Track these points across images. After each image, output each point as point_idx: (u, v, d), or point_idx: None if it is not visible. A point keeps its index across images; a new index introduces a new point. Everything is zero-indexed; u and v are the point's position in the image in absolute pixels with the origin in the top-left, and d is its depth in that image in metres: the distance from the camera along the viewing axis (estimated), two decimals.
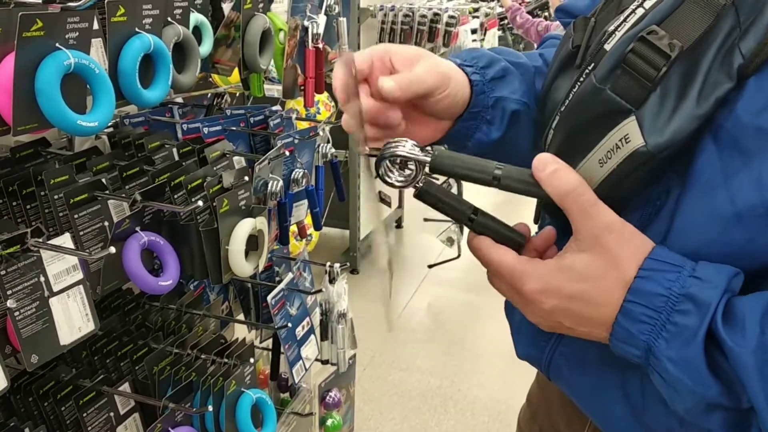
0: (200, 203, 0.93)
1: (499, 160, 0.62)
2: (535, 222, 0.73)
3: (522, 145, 0.70)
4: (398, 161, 0.56)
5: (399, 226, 4.26)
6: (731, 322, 0.47)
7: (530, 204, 0.67)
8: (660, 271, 0.50)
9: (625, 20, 0.53)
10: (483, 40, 4.14)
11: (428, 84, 0.60)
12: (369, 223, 3.73)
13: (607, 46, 0.53)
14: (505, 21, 5.88)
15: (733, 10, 0.49)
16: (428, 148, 0.56)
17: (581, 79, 0.55)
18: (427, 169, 0.57)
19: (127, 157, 1.19)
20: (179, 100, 1.51)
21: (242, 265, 1.05)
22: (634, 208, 0.56)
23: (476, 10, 4.21)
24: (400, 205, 4.20)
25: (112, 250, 0.78)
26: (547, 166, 0.53)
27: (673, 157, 0.52)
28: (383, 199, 3.86)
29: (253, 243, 1.07)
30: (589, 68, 0.54)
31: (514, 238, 0.57)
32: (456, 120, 0.65)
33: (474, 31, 4.17)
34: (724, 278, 0.48)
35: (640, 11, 0.52)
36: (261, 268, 1.10)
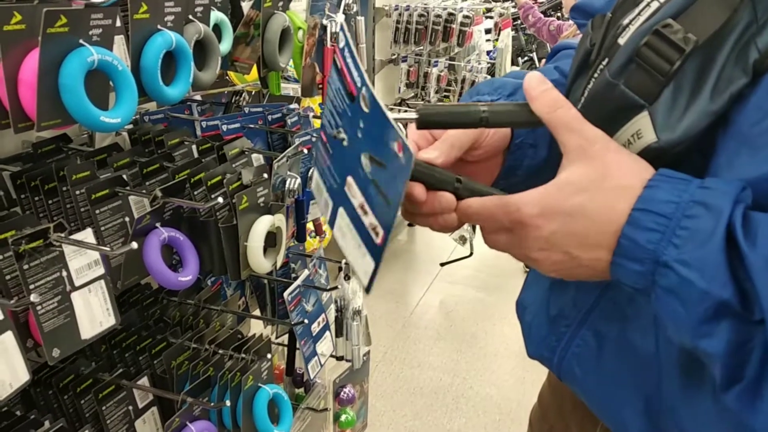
0: (220, 200, 0.94)
1: (544, 173, 0.62)
2: None
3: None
4: None
5: (411, 224, 4.26)
6: (748, 230, 0.46)
7: None
8: (669, 181, 0.49)
9: (639, 14, 0.52)
10: (497, 40, 4.13)
11: (469, 136, 0.60)
12: None
13: (621, 40, 0.52)
14: (519, 21, 5.86)
15: (750, 5, 0.48)
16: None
17: (595, 74, 0.55)
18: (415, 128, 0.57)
19: (147, 153, 1.20)
20: (197, 97, 1.51)
21: (260, 262, 1.05)
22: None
23: (490, 10, 4.19)
24: None
25: (134, 245, 0.78)
26: (540, 84, 0.54)
27: (686, 153, 0.51)
28: None
29: (271, 240, 1.07)
30: (603, 63, 0.54)
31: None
32: (504, 153, 0.65)
33: (488, 31, 4.16)
34: (734, 188, 0.47)
35: (654, 4, 0.51)
36: (279, 264, 1.10)
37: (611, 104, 0.53)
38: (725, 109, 0.50)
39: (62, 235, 0.81)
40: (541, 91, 0.54)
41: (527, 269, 3.87)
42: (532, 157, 0.65)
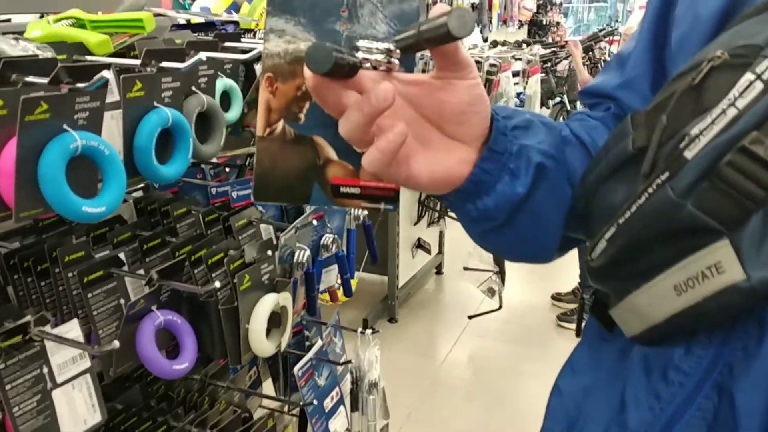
0: (217, 284, 0.88)
1: (527, 229, 0.57)
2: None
3: (551, 216, 0.59)
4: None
5: (439, 272, 4.17)
6: None
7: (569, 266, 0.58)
8: None
9: (713, 122, 0.43)
10: (526, 84, 4.08)
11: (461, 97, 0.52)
12: (408, 271, 3.66)
13: (688, 153, 0.43)
14: (548, 64, 5.82)
15: None
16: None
17: (650, 189, 0.45)
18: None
19: (152, 224, 1.15)
20: (213, 159, 1.48)
21: (263, 345, 0.99)
22: (711, 342, 0.46)
23: (518, 59, 4.15)
24: (440, 251, 4.11)
25: (116, 345, 0.72)
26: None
27: None
28: (422, 246, 3.78)
29: (275, 320, 1.01)
30: (662, 177, 0.44)
31: None
32: (477, 161, 0.54)
33: (516, 74, 4.11)
34: None
35: (731, 111, 0.42)
36: (283, 346, 1.04)
37: (674, 225, 0.44)
38: None
39: (44, 329, 0.75)
40: None
41: (560, 323, 3.69)
42: (509, 185, 0.55)
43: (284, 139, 0.51)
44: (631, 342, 0.53)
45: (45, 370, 0.76)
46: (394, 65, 0.49)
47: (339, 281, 1.43)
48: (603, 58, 7.16)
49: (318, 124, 0.51)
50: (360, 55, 0.47)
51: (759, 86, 0.41)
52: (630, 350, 0.54)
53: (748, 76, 0.42)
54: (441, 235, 4.04)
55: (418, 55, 3.37)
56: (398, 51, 0.49)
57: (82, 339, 0.81)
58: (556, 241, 0.62)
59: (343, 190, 0.52)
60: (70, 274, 0.89)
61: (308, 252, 1.13)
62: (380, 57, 0.48)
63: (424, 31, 0.45)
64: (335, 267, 1.34)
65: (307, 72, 0.46)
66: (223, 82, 1.10)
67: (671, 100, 0.47)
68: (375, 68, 0.49)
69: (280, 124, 0.50)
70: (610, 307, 0.53)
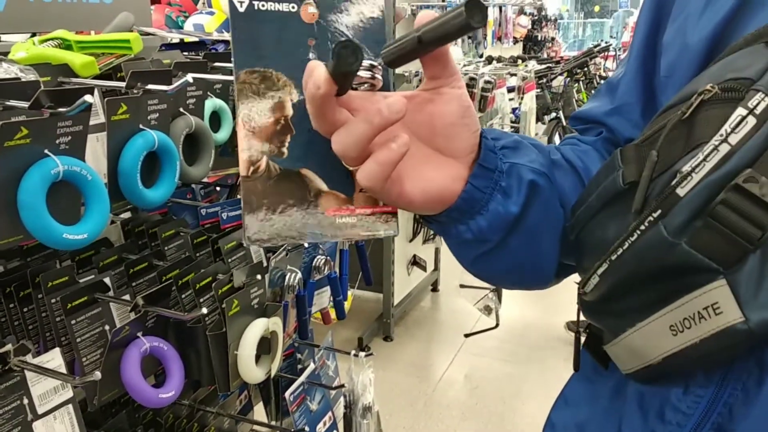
0: (204, 310, 0.86)
1: (521, 252, 0.56)
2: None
3: (546, 238, 0.58)
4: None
5: (435, 289, 4.14)
6: None
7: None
8: None
9: (705, 159, 0.41)
10: (521, 101, 4.08)
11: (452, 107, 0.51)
12: (403, 288, 3.63)
13: (681, 191, 0.42)
14: (544, 80, 5.84)
15: None
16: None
17: (642, 226, 0.44)
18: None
19: (140, 246, 1.13)
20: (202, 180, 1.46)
21: (252, 371, 0.96)
22: (710, 382, 0.44)
23: (513, 74, 4.15)
24: (436, 268, 4.09)
25: (97, 376, 0.70)
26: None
27: None
28: (418, 263, 3.76)
29: (265, 346, 0.98)
30: (654, 215, 0.43)
31: None
32: (469, 177, 0.53)
33: (511, 90, 4.11)
34: None
35: (724, 147, 0.40)
36: (274, 372, 1.01)
37: (668, 263, 0.42)
38: None
39: (24, 358, 0.73)
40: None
41: (569, 330, 3.62)
42: (502, 203, 0.54)
43: (270, 177, 0.48)
44: (627, 378, 0.51)
45: (25, 401, 0.74)
46: (377, 81, 0.48)
47: (332, 302, 1.40)
48: (598, 73, 7.19)
49: (303, 156, 0.49)
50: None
51: (752, 121, 0.40)
52: (626, 385, 0.52)
53: (740, 111, 0.41)
54: (437, 251, 4.02)
55: (413, 71, 3.36)
56: (380, 67, 0.48)
57: (64, 368, 0.79)
58: (553, 266, 0.60)
59: (338, 221, 0.50)
60: (53, 300, 0.86)
61: (299, 274, 1.11)
62: (365, 74, 0.47)
63: (432, 29, 0.44)
64: (328, 289, 1.32)
65: (318, 77, 0.44)
66: (212, 102, 1.09)
67: (661, 134, 0.45)
68: (355, 88, 0.48)
69: (264, 161, 0.48)
70: (604, 342, 0.51)
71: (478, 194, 0.53)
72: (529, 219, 0.55)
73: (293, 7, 0.48)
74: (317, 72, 0.44)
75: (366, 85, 0.49)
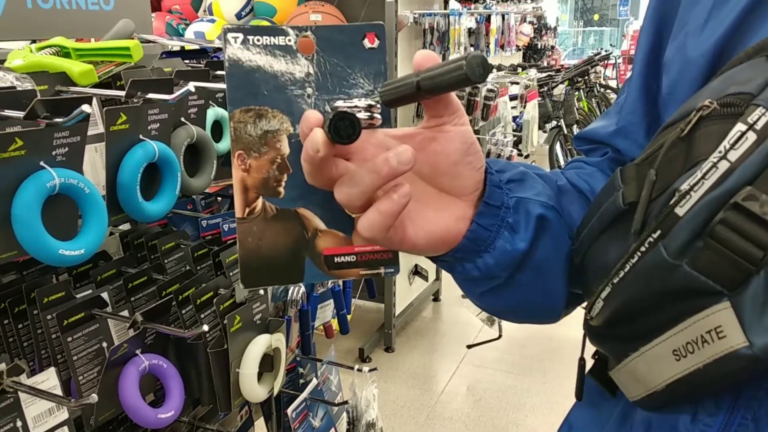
0: (205, 327, 0.82)
1: (530, 288, 0.54)
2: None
3: (555, 273, 0.55)
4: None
5: (436, 299, 4.10)
6: None
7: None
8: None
9: (704, 177, 0.39)
10: (524, 109, 4.06)
11: (456, 145, 0.49)
12: (405, 298, 3.60)
13: (680, 210, 0.40)
14: (545, 88, 5.83)
15: None
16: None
17: (642, 248, 0.42)
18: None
19: (139, 258, 1.10)
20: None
21: (254, 390, 0.93)
22: (719, 410, 0.42)
23: (515, 83, 4.14)
24: (438, 278, 4.05)
25: (94, 399, 0.67)
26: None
27: None
28: (419, 272, 3.72)
29: (267, 363, 0.95)
30: (654, 236, 0.41)
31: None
32: (474, 216, 0.51)
33: (513, 98, 4.09)
34: None
35: (723, 165, 0.39)
36: (276, 390, 0.98)
37: (670, 286, 0.40)
38: None
39: (18, 379, 0.70)
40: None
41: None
42: (509, 241, 0.52)
43: (266, 217, 0.47)
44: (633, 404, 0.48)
45: (19, 423, 0.70)
46: (376, 120, 0.47)
47: (335, 316, 1.37)
48: (599, 81, 7.19)
49: (300, 195, 0.47)
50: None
51: (752, 137, 0.38)
52: (633, 412, 0.50)
53: (740, 127, 0.38)
54: None
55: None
56: (378, 106, 0.47)
57: (59, 388, 0.76)
58: (562, 300, 0.58)
59: (337, 260, 0.49)
60: (48, 317, 0.83)
61: (303, 288, 1.08)
62: (363, 115, 0.46)
63: (430, 77, 0.42)
64: (331, 302, 1.29)
65: (316, 141, 0.42)
66: (214, 111, 1.06)
67: (660, 152, 0.44)
68: None
69: (260, 202, 0.47)
70: (609, 369, 0.49)
71: (484, 233, 0.51)
72: (537, 254, 0.53)
73: (289, 41, 0.46)
74: (316, 136, 0.43)
75: (365, 125, 0.47)
